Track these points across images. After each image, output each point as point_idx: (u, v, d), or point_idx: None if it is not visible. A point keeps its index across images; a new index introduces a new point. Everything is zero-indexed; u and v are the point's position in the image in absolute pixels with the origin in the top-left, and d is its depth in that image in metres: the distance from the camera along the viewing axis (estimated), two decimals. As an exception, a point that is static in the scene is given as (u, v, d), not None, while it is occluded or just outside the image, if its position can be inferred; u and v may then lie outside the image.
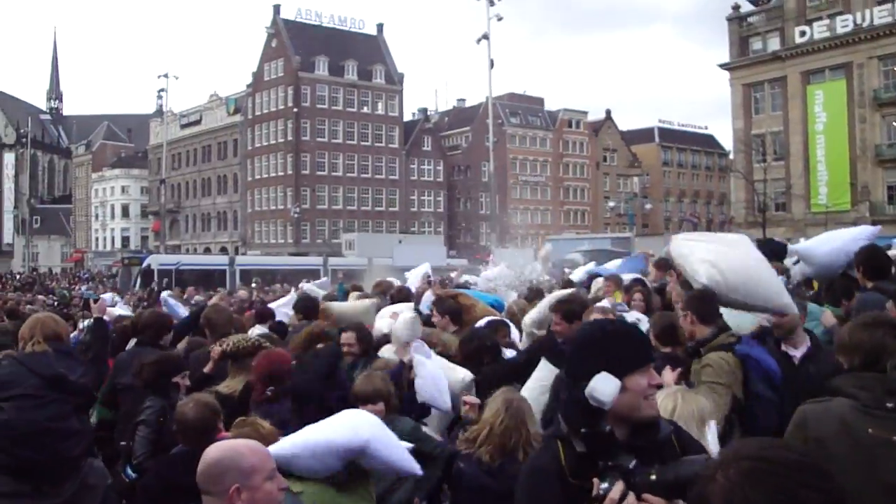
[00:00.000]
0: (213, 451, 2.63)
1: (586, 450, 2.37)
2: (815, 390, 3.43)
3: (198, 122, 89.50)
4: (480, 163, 78.63)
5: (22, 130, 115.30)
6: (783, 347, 4.98)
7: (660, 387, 2.47)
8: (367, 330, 6.34)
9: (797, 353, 4.91)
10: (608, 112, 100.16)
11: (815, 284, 7.24)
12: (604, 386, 2.53)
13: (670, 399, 3.32)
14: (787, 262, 7.89)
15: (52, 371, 3.85)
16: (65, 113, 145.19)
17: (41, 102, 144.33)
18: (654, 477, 2.20)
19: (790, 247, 8.66)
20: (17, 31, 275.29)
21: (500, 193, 70.43)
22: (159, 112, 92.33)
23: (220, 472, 2.54)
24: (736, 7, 58.91)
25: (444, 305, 6.70)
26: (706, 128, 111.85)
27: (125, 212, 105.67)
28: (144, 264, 41.92)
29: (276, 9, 79.65)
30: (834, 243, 6.94)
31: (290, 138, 75.69)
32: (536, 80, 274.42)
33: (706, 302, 4.71)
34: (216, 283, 35.23)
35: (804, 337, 4.99)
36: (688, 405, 3.30)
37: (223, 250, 75.51)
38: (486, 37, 44.24)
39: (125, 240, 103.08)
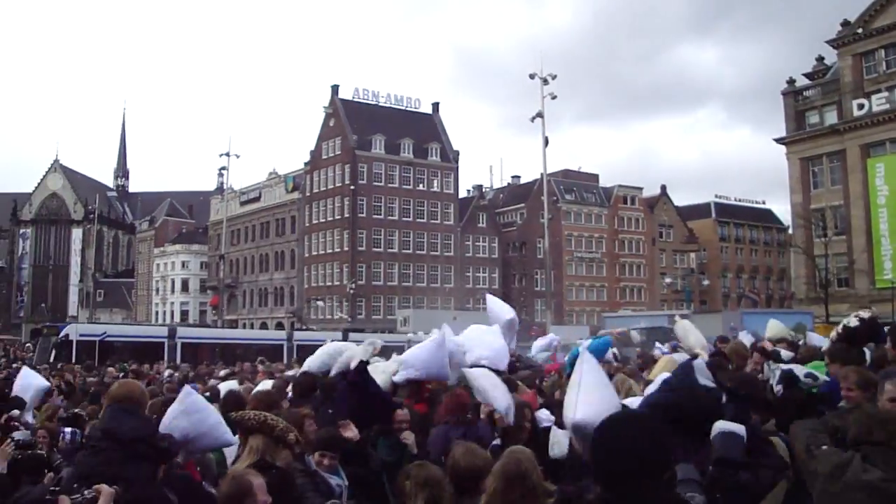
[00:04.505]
0: None
1: None
2: None
3: (257, 199, 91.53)
4: (535, 239, 78.86)
5: (90, 207, 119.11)
6: None
7: None
8: None
9: None
10: (663, 188, 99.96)
11: None
12: None
13: None
14: None
15: (102, 426, 4.67)
16: (130, 190, 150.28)
17: (109, 180, 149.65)
18: None
19: None
20: (88, 112, 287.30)
21: (555, 270, 70.22)
22: (220, 189, 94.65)
23: None
24: (791, 81, 58.69)
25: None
26: (764, 202, 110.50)
27: (185, 286, 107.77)
28: (62, 334, 35.87)
29: (335, 89, 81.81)
30: None
31: (346, 215, 76.81)
32: (590, 156, 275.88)
33: None
34: (153, 357, 30.15)
35: None
36: None
37: (279, 325, 76.23)
38: (540, 115, 44.83)
39: (184, 314, 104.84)
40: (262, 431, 5.08)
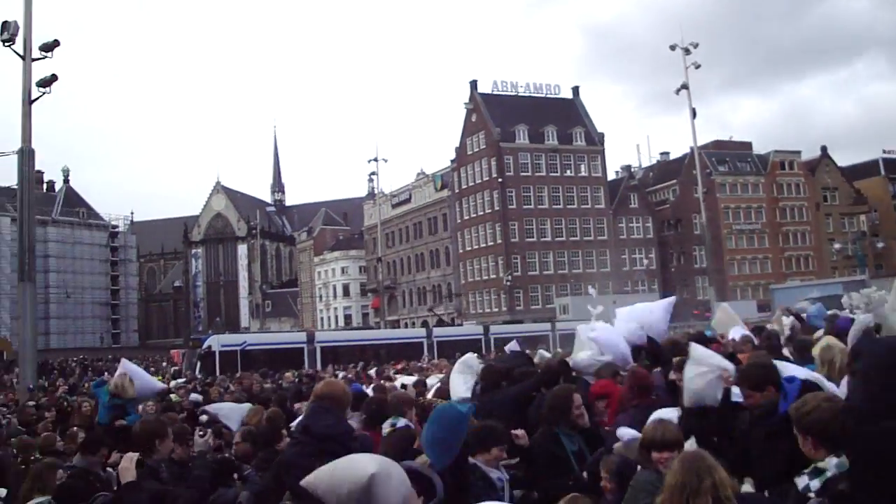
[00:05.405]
0: None
1: None
2: None
3: (408, 201, 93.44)
4: (691, 215, 76.83)
5: (252, 223, 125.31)
6: None
7: None
8: None
9: None
10: (824, 149, 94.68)
11: None
12: None
13: None
14: None
15: (303, 421, 5.16)
16: (287, 203, 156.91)
17: (267, 196, 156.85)
18: None
19: None
20: (243, 134, 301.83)
21: (714, 245, 68.07)
22: (371, 194, 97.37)
23: None
24: (962, 21, 54.05)
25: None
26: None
27: (346, 291, 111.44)
28: (204, 346, 37.32)
29: (473, 84, 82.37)
30: None
31: (496, 208, 77.24)
32: (741, 124, 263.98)
33: None
34: (293, 363, 31.00)
35: None
36: None
37: (440, 322, 77.54)
38: (685, 86, 43.75)
39: (347, 318, 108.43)
40: None
